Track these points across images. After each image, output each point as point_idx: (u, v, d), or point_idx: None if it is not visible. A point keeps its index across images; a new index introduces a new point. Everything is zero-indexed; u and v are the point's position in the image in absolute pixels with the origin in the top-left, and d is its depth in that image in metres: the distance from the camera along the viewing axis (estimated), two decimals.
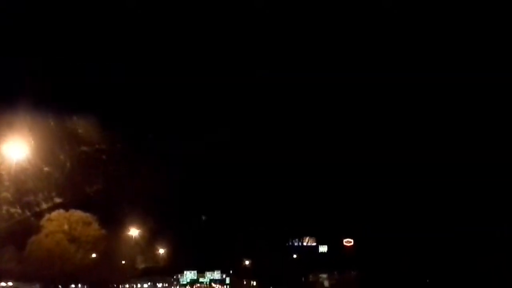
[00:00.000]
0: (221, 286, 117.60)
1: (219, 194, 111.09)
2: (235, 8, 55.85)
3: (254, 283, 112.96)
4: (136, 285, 73.23)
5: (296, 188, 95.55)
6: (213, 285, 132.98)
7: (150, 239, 71.84)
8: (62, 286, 31.96)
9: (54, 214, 43.80)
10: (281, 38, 65.21)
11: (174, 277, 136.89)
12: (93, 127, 32.91)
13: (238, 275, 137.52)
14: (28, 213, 37.01)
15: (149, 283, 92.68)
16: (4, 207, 36.50)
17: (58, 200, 36.33)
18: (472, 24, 41.32)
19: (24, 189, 32.79)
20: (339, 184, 75.37)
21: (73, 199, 38.46)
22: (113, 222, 53.05)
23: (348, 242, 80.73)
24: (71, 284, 43.19)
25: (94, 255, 49.97)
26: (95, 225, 45.87)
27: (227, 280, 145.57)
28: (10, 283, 39.02)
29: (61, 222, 43.78)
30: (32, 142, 28.56)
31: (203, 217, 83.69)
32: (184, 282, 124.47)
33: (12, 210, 37.44)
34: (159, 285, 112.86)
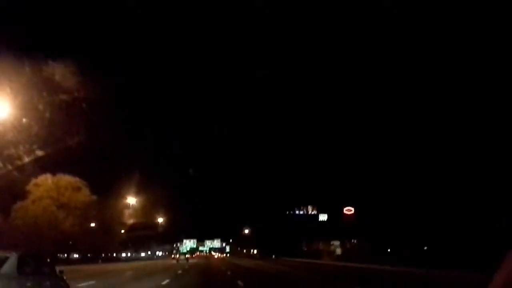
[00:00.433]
0: (221, 254, 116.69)
1: (220, 162, 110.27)
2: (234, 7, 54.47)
3: (255, 251, 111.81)
4: (132, 254, 71.09)
5: (296, 156, 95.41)
6: (213, 253, 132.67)
7: (147, 203, 69.66)
8: (48, 255, 28.91)
9: (41, 178, 40.16)
10: (280, 38, 67.60)
11: (174, 245, 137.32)
12: (71, 73, 29.09)
13: (238, 244, 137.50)
14: (9, 167, 33.57)
15: (148, 252, 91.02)
16: None
17: (39, 153, 32.34)
18: (472, 24, 41.32)
19: (4, 141, 29.17)
20: (340, 152, 73.24)
21: (56, 152, 34.87)
22: (101, 183, 49.81)
23: (348, 210, 78.06)
24: (59, 253, 40.03)
25: (93, 224, 47.82)
26: (85, 191, 42.15)
27: (227, 249, 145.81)
28: None
29: (48, 187, 40.16)
30: (9, 90, 24.61)
31: (190, 170, 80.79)
32: (184, 251, 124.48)
33: None
34: (159, 253, 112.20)
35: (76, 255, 43.17)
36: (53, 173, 41.01)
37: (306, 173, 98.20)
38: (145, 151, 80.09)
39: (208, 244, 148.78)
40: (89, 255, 48.19)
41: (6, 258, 6.84)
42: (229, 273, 24.57)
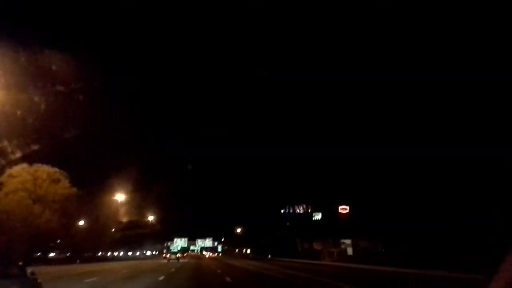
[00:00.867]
0: (213, 254, 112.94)
1: (212, 160, 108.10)
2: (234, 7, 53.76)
3: (248, 251, 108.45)
4: (118, 254, 66.93)
5: (289, 155, 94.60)
6: (204, 252, 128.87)
7: (137, 201, 66.37)
8: (20, 254, 25.32)
9: (16, 169, 36.23)
10: (278, 37, 65.58)
11: (165, 244, 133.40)
12: (68, 63, 27.26)
13: (230, 243, 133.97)
14: (2, 162, 31.78)
15: (137, 253, 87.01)
16: None
17: (34, 147, 30.37)
18: (472, 24, 41.31)
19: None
20: (335, 150, 72.34)
21: (51, 146, 32.41)
22: (89, 178, 46.34)
23: (343, 209, 75.26)
24: (36, 252, 35.94)
25: (81, 222, 44.07)
26: (65, 182, 38.18)
27: (219, 248, 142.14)
28: None
29: (24, 179, 36.31)
30: (3, 80, 23.63)
31: (189, 166, 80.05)
32: (175, 250, 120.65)
33: None
34: (148, 253, 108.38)
35: (53, 254, 39.06)
36: (42, 158, 37.06)
37: (300, 172, 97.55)
38: (138, 148, 77.39)
39: (200, 243, 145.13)
40: (68, 254, 44.24)
41: None
42: (228, 279, 18.88)
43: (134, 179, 58.56)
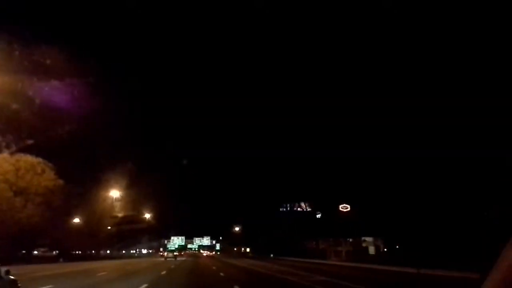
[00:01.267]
0: (211, 252, 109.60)
1: (210, 158, 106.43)
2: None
3: (248, 250, 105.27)
4: (111, 252, 63.46)
5: (290, 153, 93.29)
6: (202, 251, 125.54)
7: (133, 198, 63.18)
8: None
9: None
10: (274, 38, 65.76)
11: (161, 242, 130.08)
12: (63, 57, 27.21)
13: (228, 242, 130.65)
14: None
15: (131, 251, 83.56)
16: None
17: (29, 142, 30.31)
18: (472, 24, 41.07)
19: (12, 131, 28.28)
20: (335, 149, 71.37)
21: (45, 141, 31.13)
22: (84, 173, 43.32)
23: (344, 207, 72.46)
24: (20, 250, 32.29)
25: (76, 220, 40.63)
26: (50, 174, 34.45)
27: (217, 246, 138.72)
28: None
29: (4, 170, 32.84)
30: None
31: (184, 161, 78.16)
32: (172, 248, 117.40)
33: None
34: (144, 251, 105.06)
35: (36, 252, 35.51)
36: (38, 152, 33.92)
37: (299, 170, 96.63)
38: (135, 145, 74.86)
39: (197, 241, 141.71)
40: (55, 252, 40.73)
41: None
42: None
43: (130, 176, 56.26)
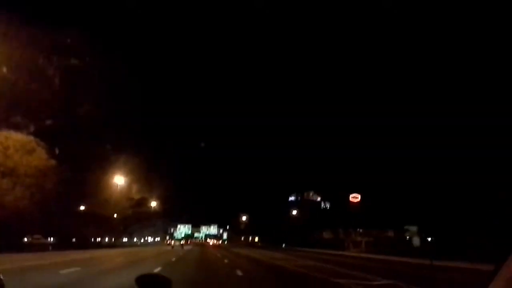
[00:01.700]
0: (217, 241, 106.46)
1: (220, 145, 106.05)
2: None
3: (256, 239, 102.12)
4: (112, 240, 60.56)
5: (299, 143, 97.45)
6: (208, 240, 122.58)
7: (138, 184, 60.30)
8: None
9: None
10: (278, 37, 73.30)
11: (168, 231, 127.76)
12: (82, 38, 29.37)
13: (236, 231, 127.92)
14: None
15: (134, 239, 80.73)
16: None
17: (48, 122, 31.16)
18: (472, 24, 43.12)
19: (10, 108, 28.07)
20: (345, 139, 75.26)
21: (64, 120, 32.67)
22: (87, 157, 40.24)
23: (354, 197, 68.60)
24: (8, 236, 28.94)
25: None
26: (41, 153, 30.87)
27: (225, 236, 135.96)
28: None
29: None
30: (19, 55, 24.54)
31: (202, 144, 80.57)
32: (179, 237, 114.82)
33: None
34: (149, 239, 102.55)
35: (26, 239, 32.35)
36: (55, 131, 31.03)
37: (309, 160, 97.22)
38: (145, 133, 73.32)
39: (204, 230, 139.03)
40: (50, 239, 37.47)
41: None
42: None
43: (139, 163, 54.32)
